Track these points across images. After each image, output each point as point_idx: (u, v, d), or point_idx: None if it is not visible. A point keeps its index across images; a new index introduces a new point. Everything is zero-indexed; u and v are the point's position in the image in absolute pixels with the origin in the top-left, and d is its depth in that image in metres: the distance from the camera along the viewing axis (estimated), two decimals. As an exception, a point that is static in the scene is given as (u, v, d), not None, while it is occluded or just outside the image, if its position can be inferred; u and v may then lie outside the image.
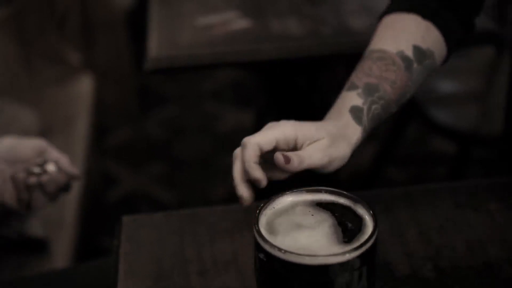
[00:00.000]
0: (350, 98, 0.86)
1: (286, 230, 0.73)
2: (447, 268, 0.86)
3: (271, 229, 0.74)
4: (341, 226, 0.73)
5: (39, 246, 1.55)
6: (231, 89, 2.81)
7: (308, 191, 0.78)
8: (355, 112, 0.85)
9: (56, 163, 1.08)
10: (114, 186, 2.35)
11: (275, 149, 0.81)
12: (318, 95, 1.85)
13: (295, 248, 0.70)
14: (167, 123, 2.64)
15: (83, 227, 1.75)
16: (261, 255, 0.72)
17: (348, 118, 0.85)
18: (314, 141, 0.82)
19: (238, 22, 1.59)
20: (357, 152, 0.87)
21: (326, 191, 0.77)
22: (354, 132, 0.84)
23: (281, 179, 0.84)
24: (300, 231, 0.73)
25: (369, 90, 0.85)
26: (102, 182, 2.29)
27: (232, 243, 0.91)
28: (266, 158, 0.82)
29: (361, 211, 0.75)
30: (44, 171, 1.07)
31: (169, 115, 2.68)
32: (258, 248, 0.72)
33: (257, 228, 0.73)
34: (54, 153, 1.09)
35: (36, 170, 1.07)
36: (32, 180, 1.05)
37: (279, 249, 0.70)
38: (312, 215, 0.75)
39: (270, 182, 0.84)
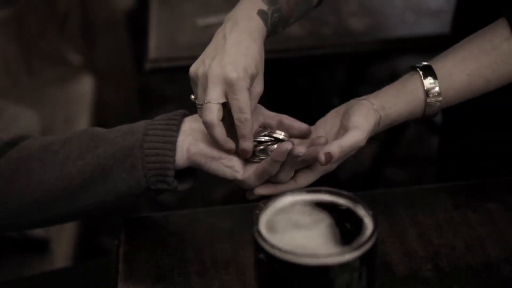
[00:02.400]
0: (257, 3, 0.92)
1: (284, 229, 0.73)
2: (447, 268, 0.86)
3: (270, 228, 0.74)
4: (339, 227, 0.73)
5: (40, 246, 1.55)
6: (231, 89, 2.81)
7: (307, 191, 0.78)
8: (262, 15, 0.92)
9: (279, 125, 0.88)
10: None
11: None
12: (318, 95, 1.86)
13: (293, 247, 0.71)
14: (167, 123, 2.63)
15: (83, 227, 1.76)
16: (261, 255, 0.72)
17: (258, 20, 0.91)
18: None
19: (238, 23, 1.59)
20: (357, 152, 0.87)
21: (326, 191, 0.77)
22: (262, 32, 0.93)
23: None
24: (298, 230, 0.73)
25: (272, 0, 0.92)
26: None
27: (232, 243, 0.91)
28: None
29: (361, 211, 0.75)
30: (274, 139, 0.85)
31: (169, 115, 2.67)
32: (258, 248, 0.73)
33: (257, 228, 0.73)
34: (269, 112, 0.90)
35: (263, 138, 0.85)
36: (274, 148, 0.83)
37: (279, 249, 0.70)
38: (310, 215, 0.75)
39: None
